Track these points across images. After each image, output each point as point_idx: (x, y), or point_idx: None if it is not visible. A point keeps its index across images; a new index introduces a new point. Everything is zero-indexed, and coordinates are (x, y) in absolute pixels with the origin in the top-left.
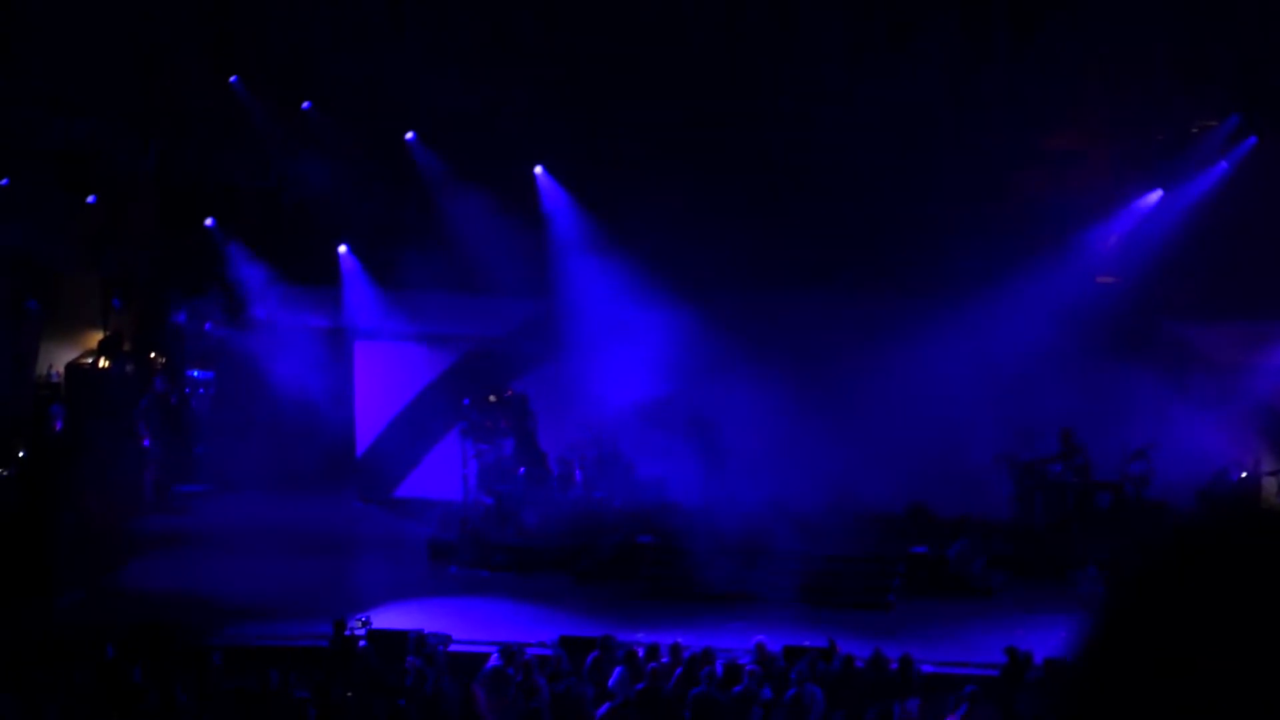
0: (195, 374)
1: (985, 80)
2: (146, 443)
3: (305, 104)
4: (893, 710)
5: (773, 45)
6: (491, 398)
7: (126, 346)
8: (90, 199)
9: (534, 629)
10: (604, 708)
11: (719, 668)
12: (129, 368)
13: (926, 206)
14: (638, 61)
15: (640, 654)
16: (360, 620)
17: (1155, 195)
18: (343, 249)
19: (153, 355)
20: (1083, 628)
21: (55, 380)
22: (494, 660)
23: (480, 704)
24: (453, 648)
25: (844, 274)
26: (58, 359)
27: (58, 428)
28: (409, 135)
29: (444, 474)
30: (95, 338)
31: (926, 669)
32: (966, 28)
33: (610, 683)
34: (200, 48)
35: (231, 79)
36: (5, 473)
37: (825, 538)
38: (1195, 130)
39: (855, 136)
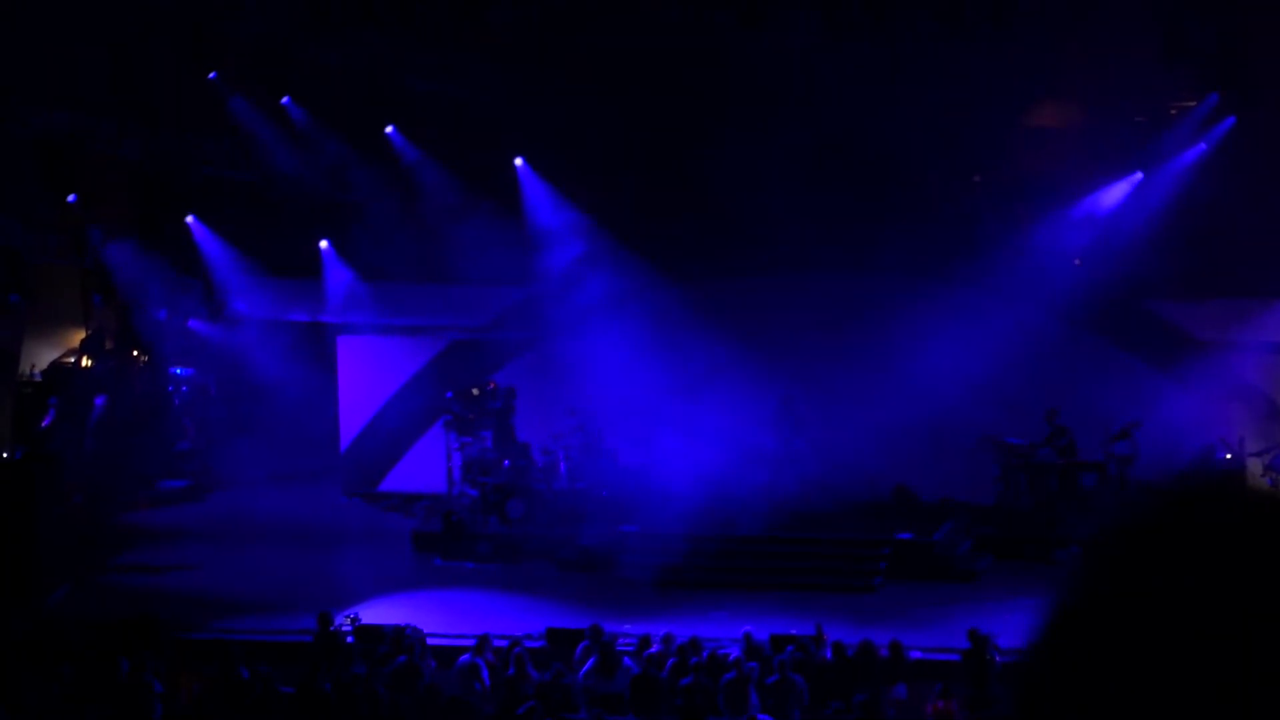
0: (177, 370)
1: (964, 59)
2: (131, 439)
3: (284, 98)
4: (880, 696)
5: (746, 28)
6: (474, 390)
7: (108, 344)
8: (71, 197)
9: (520, 620)
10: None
11: (705, 657)
12: (111, 366)
13: (905, 186)
14: (612, 49)
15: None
16: (349, 617)
17: (1135, 177)
18: (324, 243)
19: (135, 353)
20: (1047, 607)
21: (37, 379)
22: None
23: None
24: (438, 641)
25: (824, 257)
26: (40, 358)
27: (43, 424)
28: (389, 128)
29: (428, 467)
30: (77, 336)
31: (914, 655)
32: (944, 4)
33: (580, 674)
34: (178, 40)
35: (210, 75)
36: None
37: (810, 522)
38: (1174, 111)
39: (833, 117)
